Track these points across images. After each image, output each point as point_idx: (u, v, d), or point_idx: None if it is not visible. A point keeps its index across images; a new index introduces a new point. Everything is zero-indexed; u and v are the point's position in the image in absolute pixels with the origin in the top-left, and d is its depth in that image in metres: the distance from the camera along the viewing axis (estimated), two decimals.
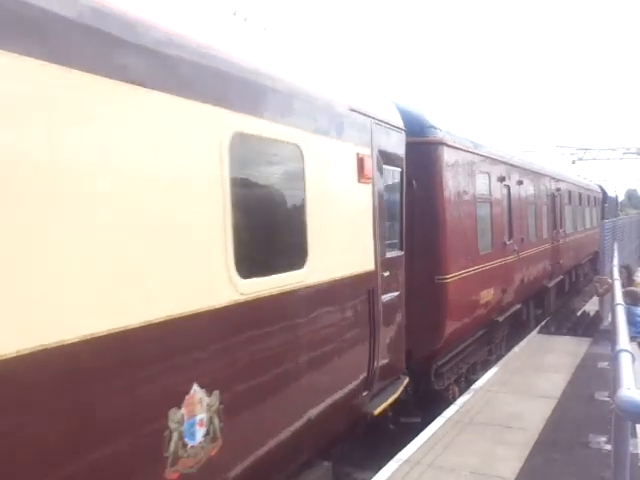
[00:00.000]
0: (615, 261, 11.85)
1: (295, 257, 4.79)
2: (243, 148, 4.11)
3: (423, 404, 8.33)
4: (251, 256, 4.24)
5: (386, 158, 6.55)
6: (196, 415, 3.59)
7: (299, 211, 4.85)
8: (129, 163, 3.18)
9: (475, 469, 6.03)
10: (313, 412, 4.95)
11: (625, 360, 3.99)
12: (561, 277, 17.18)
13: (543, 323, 13.88)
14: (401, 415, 7.84)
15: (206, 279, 3.72)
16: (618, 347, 4.37)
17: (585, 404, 7.89)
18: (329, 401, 5.23)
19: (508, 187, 11.57)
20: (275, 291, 4.40)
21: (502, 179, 11.10)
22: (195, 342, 3.66)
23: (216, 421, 3.75)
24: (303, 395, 4.84)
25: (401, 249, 7.06)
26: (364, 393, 5.98)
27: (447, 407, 8.04)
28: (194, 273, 3.63)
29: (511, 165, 11.99)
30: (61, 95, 2.85)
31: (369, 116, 6.18)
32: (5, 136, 2.59)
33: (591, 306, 15.67)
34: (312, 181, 4.92)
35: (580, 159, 39.84)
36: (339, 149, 5.50)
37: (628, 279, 12.76)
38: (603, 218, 23.81)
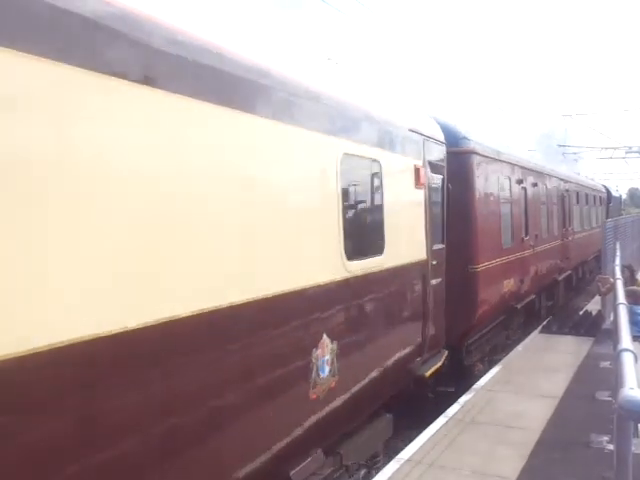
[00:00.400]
0: (617, 260, 11.82)
1: (377, 246, 6.23)
2: (346, 164, 5.55)
3: (456, 377, 9.55)
4: (352, 244, 5.61)
5: (433, 167, 7.98)
6: (325, 356, 5.15)
7: (379, 211, 6.31)
8: (295, 181, 4.84)
9: (476, 469, 6.01)
10: (388, 364, 6.48)
11: (628, 360, 3.97)
12: (569, 272, 18.09)
13: (545, 322, 13.87)
14: (438, 385, 9.09)
15: (331, 261, 5.29)
16: (620, 347, 4.34)
17: (587, 404, 7.86)
18: (396, 359, 6.72)
19: (525, 189, 12.92)
20: (366, 270, 5.88)
21: (520, 182, 12.46)
22: (324, 303, 5.19)
23: (335, 362, 5.26)
24: (382, 351, 6.40)
25: (442, 242, 8.37)
26: (418, 358, 7.44)
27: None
28: (328, 257, 5.24)
29: (527, 169, 13.30)
30: (264, 138, 4.43)
31: (421, 134, 7.63)
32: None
33: (593, 305, 15.63)
34: (387, 188, 6.42)
35: (582, 158, 39.83)
36: (403, 162, 7.04)
37: (630, 278, 12.73)
38: (608, 217, 24.55)
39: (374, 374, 6.14)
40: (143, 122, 3.39)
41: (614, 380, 5.14)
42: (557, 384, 8.84)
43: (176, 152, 3.60)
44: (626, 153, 35.71)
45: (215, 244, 3.91)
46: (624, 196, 65.08)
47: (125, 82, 3.26)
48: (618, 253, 13.03)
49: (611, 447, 5.81)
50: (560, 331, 12.84)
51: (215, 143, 3.97)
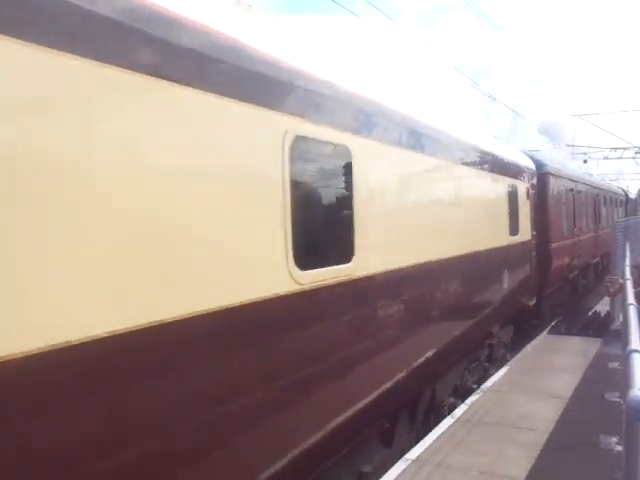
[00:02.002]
0: (627, 261, 11.77)
1: (516, 230, 11.41)
2: (508, 188, 11.00)
3: (538, 316, 14.47)
4: (508, 229, 10.87)
5: (531, 186, 13.18)
6: (505, 278, 10.71)
7: (516, 210, 11.43)
8: (494, 198, 10.42)
9: (484, 469, 6.00)
10: (520, 290, 12.10)
11: (637, 361, 3.96)
12: (598, 259, 22.74)
13: (553, 323, 13.82)
14: (528, 321, 13.90)
15: (505, 236, 10.65)
16: (630, 347, 4.34)
17: (595, 405, 7.83)
18: (521, 290, 12.28)
19: (573, 194, 18.01)
20: (513, 242, 11.20)
21: (571, 190, 17.70)
22: (504, 254, 10.47)
23: (507, 280, 10.76)
24: (517, 282, 11.74)
25: (534, 230, 13.31)
26: (526, 295, 12.83)
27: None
28: (503, 234, 10.62)
29: (574, 180, 18.64)
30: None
31: (526, 167, 13.10)
32: None
33: (602, 306, 15.57)
34: (519, 200, 11.75)
35: (591, 158, 39.62)
36: (522, 185, 12.26)
37: (639, 278, 12.65)
38: (626, 216, 29.74)
39: (516, 292, 11.63)
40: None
41: (623, 381, 5.12)
42: (565, 385, 8.81)
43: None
44: (635, 153, 35.56)
45: (483, 226, 9.37)
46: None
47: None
48: (628, 254, 12.98)
49: (620, 448, 5.79)
50: (568, 332, 12.79)
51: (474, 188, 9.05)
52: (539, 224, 13.75)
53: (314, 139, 4.66)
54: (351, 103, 5.34)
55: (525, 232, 12.11)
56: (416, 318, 6.74)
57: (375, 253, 5.56)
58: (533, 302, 13.30)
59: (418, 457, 6.30)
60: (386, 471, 6.10)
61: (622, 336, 7.01)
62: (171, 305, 3.18)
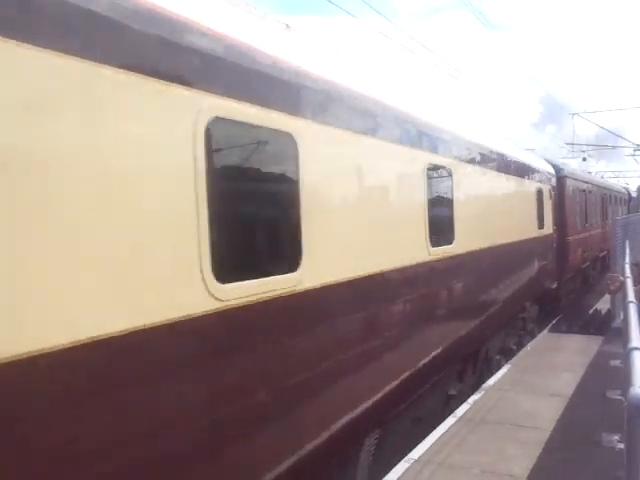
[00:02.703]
0: (627, 258, 11.77)
1: (542, 225, 13.54)
2: (536, 191, 13.25)
3: (556, 301, 16.10)
4: (536, 223, 13.24)
5: (551, 187, 15.15)
6: (535, 263, 13.31)
7: (542, 209, 13.52)
8: (522, 201, 12.44)
9: (486, 467, 6.00)
10: (546, 273, 14.31)
11: (637, 358, 3.96)
12: (605, 253, 24.22)
13: (554, 321, 13.83)
14: (548, 303, 15.44)
15: (534, 229, 13.00)
16: (630, 345, 4.34)
17: (597, 402, 7.83)
18: (547, 274, 14.36)
19: (586, 195, 20.38)
20: (541, 234, 13.49)
21: (583, 190, 19.89)
22: (536, 243, 13.10)
23: (537, 264, 13.43)
24: (543, 266, 13.82)
25: (555, 225, 15.33)
26: (549, 279, 14.75)
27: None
28: (533, 227, 12.88)
29: (586, 182, 21.05)
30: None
31: (549, 172, 15.21)
32: None
33: (603, 304, 15.57)
34: (544, 200, 13.77)
35: (591, 156, 39.63)
36: (547, 188, 14.30)
37: (639, 276, 12.66)
38: (629, 213, 32.12)
39: (542, 275, 13.72)
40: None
41: (624, 379, 5.12)
42: (567, 383, 8.81)
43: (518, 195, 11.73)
44: (634, 151, 35.57)
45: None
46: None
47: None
48: (628, 251, 12.99)
49: (622, 446, 5.80)
50: (569, 330, 12.80)
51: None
52: (558, 220, 15.81)
53: (435, 164, 7.22)
54: (452, 138, 7.98)
55: (548, 226, 14.37)
56: (484, 287, 9.33)
57: (465, 239, 8.09)
58: (555, 286, 15.49)
59: (420, 457, 6.31)
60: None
61: (623, 334, 7.01)
62: (390, 261, 5.88)
